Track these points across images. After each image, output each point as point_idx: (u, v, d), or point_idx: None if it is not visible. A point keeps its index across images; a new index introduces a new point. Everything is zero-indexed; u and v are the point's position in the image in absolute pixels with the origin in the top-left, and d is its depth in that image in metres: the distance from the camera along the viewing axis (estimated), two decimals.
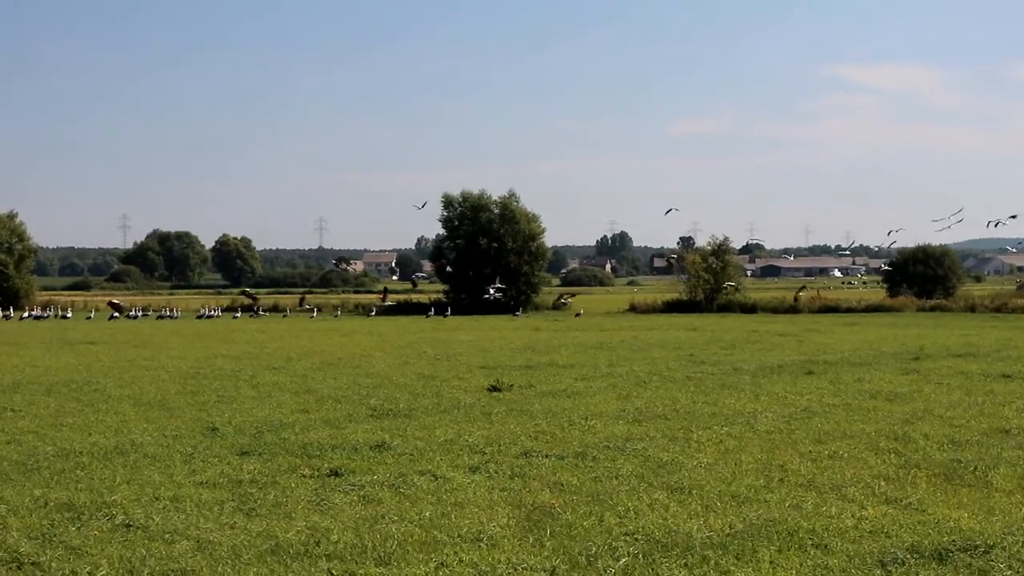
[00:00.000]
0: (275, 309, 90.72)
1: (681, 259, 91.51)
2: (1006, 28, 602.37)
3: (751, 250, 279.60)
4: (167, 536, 11.91)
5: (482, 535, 11.83)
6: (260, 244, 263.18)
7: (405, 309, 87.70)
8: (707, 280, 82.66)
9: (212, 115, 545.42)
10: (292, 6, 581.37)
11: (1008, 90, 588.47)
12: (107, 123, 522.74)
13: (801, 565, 10.70)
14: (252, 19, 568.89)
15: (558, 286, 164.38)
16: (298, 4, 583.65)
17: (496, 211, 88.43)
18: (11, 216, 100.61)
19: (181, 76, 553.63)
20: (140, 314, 79.94)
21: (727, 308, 79.89)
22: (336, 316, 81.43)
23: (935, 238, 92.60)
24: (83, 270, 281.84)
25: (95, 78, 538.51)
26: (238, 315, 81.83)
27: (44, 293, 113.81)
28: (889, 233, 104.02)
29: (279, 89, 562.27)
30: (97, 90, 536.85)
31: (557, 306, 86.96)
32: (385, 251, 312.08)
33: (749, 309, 79.17)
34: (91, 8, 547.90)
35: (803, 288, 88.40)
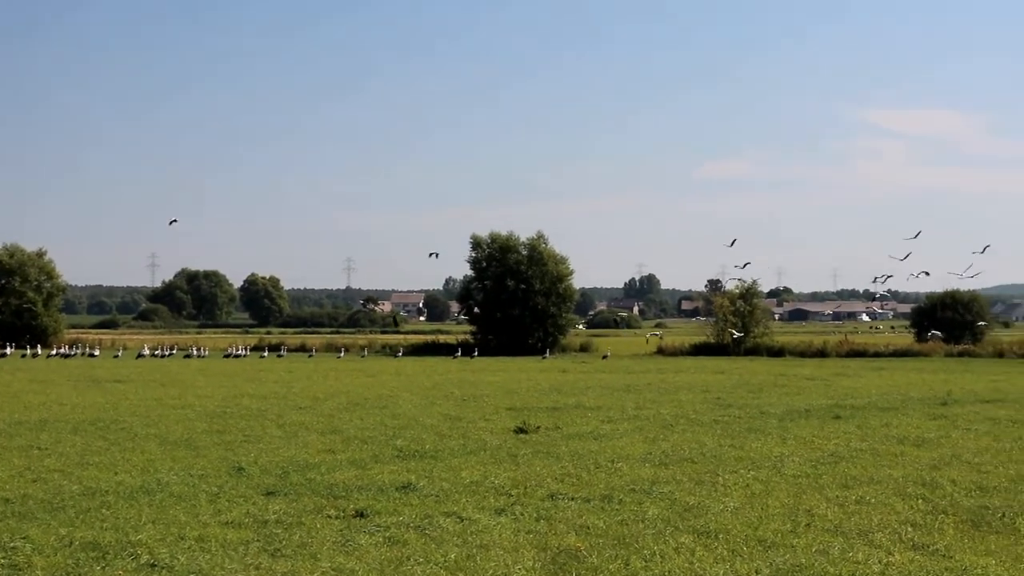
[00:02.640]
0: (302, 349, 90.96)
1: (709, 302, 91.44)
2: None
3: (779, 294, 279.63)
4: None
5: None
6: (288, 283, 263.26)
7: (432, 350, 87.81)
8: (735, 323, 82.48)
9: (241, 153, 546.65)
10: (316, 41, 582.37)
11: None
12: (136, 161, 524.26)
13: None
14: (277, 54, 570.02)
15: (585, 328, 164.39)
16: (320, 39, 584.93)
17: (524, 252, 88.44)
18: (40, 254, 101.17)
19: (209, 115, 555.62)
20: (168, 352, 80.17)
21: (755, 352, 79.63)
22: (363, 356, 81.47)
23: (963, 283, 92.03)
24: (111, 308, 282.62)
25: (123, 117, 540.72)
26: (265, 354, 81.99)
27: (72, 331, 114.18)
28: (908, 279, 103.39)
29: (308, 127, 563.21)
30: (125, 129, 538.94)
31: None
32: (413, 291, 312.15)
33: (776, 353, 78.89)
34: (116, 45, 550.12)
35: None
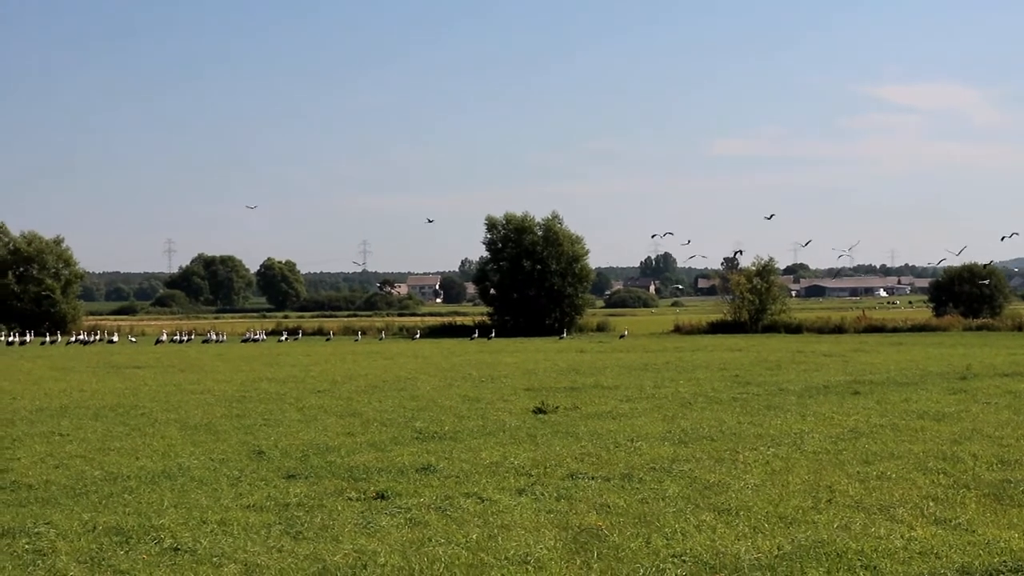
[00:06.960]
0: (319, 332, 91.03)
1: (726, 280, 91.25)
2: None
3: (795, 271, 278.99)
4: (215, 560, 11.94)
5: (529, 558, 11.81)
6: (304, 268, 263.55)
7: (449, 331, 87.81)
8: (752, 301, 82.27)
9: (255, 138, 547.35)
10: (327, 26, 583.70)
11: None
12: (151, 148, 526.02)
13: None
14: (293, 41, 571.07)
15: (602, 308, 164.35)
16: (333, 24, 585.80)
17: (540, 233, 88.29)
18: (58, 241, 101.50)
19: (225, 100, 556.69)
20: (186, 338, 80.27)
21: (772, 328, 79.41)
22: (380, 339, 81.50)
23: (981, 256, 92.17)
24: (129, 295, 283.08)
25: (140, 104, 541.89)
26: (283, 338, 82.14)
27: (91, 318, 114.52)
28: (941, 261, 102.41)
29: (321, 111, 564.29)
30: (141, 115, 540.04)
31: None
32: (429, 274, 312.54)
33: (794, 329, 78.62)
34: (131, 31, 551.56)
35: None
